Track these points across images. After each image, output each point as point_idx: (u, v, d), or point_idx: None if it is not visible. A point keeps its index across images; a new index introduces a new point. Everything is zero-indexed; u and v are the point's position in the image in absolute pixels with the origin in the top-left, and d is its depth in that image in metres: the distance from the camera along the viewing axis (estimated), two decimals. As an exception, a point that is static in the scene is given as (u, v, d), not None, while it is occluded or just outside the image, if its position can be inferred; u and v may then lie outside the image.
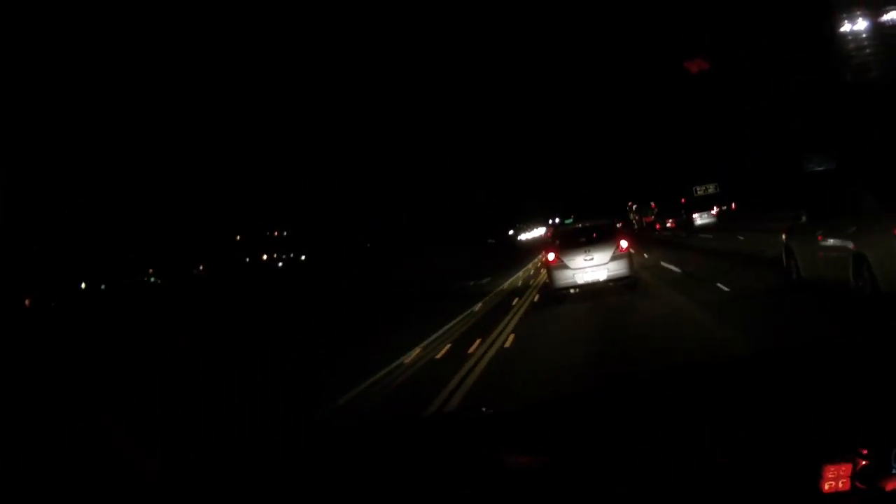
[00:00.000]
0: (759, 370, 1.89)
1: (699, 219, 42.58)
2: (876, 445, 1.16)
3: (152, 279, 58.46)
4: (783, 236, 9.62)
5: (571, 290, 13.21)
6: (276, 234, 77.19)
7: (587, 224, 14.11)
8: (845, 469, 1.14)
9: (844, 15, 38.47)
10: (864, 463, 1.14)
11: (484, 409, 3.75)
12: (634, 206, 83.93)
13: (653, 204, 72.90)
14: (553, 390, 5.17)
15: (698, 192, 51.06)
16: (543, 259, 15.19)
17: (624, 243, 12.93)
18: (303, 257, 72.13)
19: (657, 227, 57.32)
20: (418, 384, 7.35)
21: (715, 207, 43.94)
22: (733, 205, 50.11)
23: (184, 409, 6.59)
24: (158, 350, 13.10)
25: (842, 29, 38.46)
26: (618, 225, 15.69)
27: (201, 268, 61.69)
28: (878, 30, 35.42)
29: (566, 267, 12.95)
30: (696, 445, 1.34)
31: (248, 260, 68.84)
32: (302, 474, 1.58)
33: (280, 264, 69.02)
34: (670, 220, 54.57)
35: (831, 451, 1.17)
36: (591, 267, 12.78)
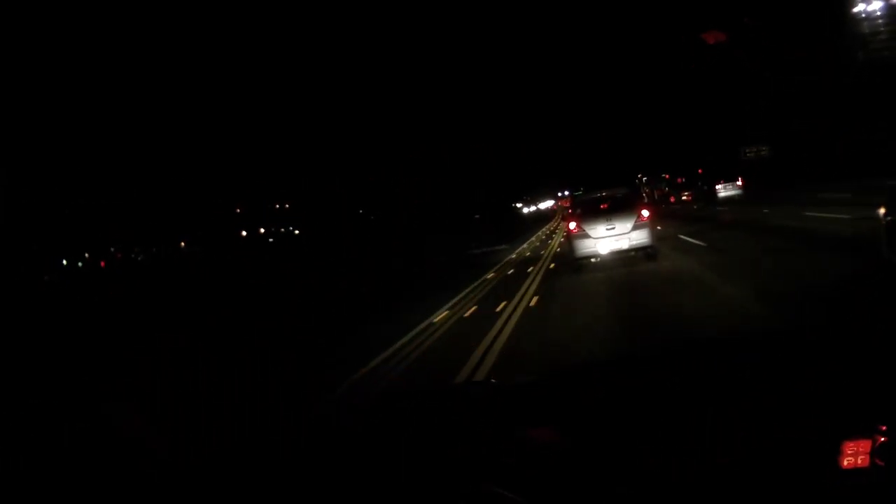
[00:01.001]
0: (780, 347, 1.91)
1: (723, 190, 37.91)
2: (894, 422, 1.18)
3: (135, 256, 56.03)
4: (881, 210, 7.49)
5: (592, 259, 13.20)
6: (276, 206, 76.04)
7: (609, 193, 14.07)
8: (864, 445, 1.15)
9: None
10: (882, 440, 1.14)
11: (493, 380, 3.98)
12: (644, 179, 79.73)
13: (666, 175, 68.52)
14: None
15: (748, 154, 43.22)
16: (564, 227, 15.03)
17: (645, 213, 13.10)
18: (297, 232, 70.96)
19: (671, 199, 53.67)
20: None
21: (740, 178, 38.66)
22: (740, 180, 46.32)
23: (205, 386, 6.61)
24: (158, 334, 12.99)
25: (856, 9, 37.84)
26: (643, 192, 15.58)
27: (182, 244, 59.49)
28: (894, 10, 34.87)
29: (587, 236, 13.10)
30: (715, 424, 1.33)
31: (244, 234, 67.58)
32: (317, 452, 1.59)
33: (270, 239, 65.62)
34: (686, 193, 50.68)
35: (851, 428, 1.18)
36: (613, 236, 12.92)
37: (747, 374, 1.63)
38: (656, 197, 64.40)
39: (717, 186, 38.30)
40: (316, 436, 1.69)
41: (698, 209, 36.14)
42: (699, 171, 52.73)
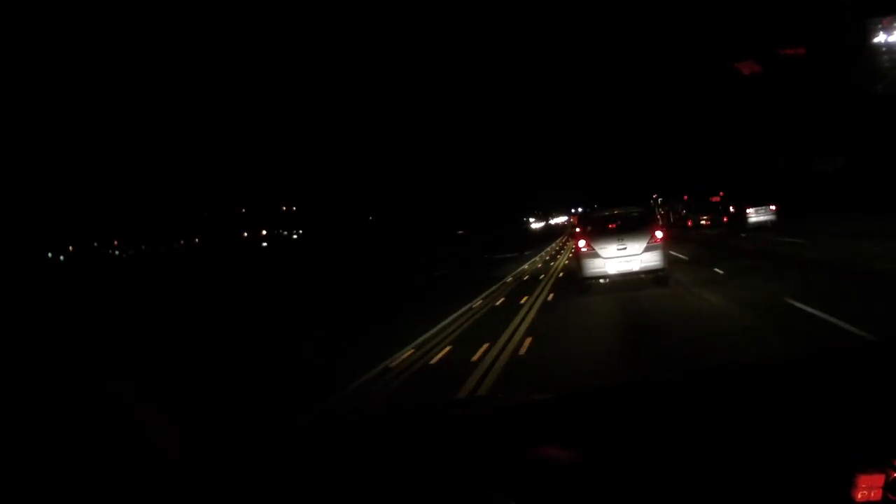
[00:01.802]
0: (795, 376, 1.91)
1: (754, 215, 33.37)
2: None
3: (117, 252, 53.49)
4: None
5: (601, 280, 12.47)
6: (283, 209, 75.51)
7: (621, 211, 13.59)
8: (878, 480, 1.15)
9: (879, 25, 37.45)
10: None
11: (500, 395, 3.93)
12: (660, 200, 75.13)
13: (685, 196, 61.89)
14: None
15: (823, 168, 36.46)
16: (573, 245, 14.28)
17: (659, 234, 12.61)
18: (295, 236, 69.93)
19: (688, 223, 49.04)
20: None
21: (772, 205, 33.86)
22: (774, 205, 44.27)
23: (187, 394, 6.38)
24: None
25: (875, 39, 37.45)
26: (658, 214, 14.93)
27: (180, 243, 57.64)
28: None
29: (597, 255, 12.56)
30: (728, 453, 1.34)
31: (245, 235, 66.56)
32: (323, 461, 1.59)
33: (265, 244, 63.47)
34: (704, 217, 46.28)
35: (865, 461, 1.18)
36: (624, 257, 12.39)
37: (763, 404, 1.63)
38: (671, 220, 60.32)
39: (748, 211, 33.76)
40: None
41: (720, 235, 33.28)
42: (720, 193, 48.91)
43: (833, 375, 1.82)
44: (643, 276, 12.44)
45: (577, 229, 14.25)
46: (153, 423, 1.92)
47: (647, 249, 12.20)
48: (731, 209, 39.73)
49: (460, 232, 64.69)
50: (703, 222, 45.72)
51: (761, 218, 32.75)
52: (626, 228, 12.66)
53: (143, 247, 53.13)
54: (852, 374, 1.80)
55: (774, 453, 1.29)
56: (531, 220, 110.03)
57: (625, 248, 12.24)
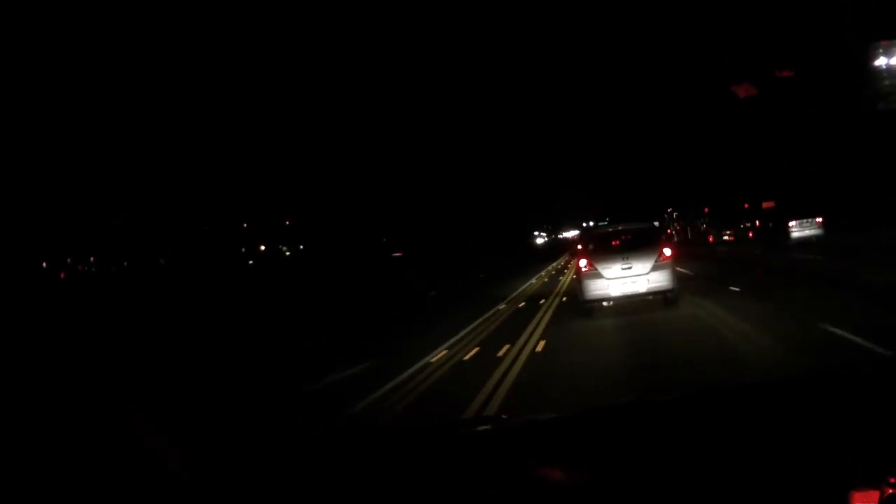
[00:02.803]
0: (789, 395, 1.93)
1: (797, 229, 28.99)
2: None
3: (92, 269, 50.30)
4: None
5: (604, 303, 11.80)
6: (287, 222, 74.59)
7: (626, 227, 12.95)
8: (873, 496, 1.16)
9: (881, 49, 37.44)
10: (890, 491, 1.15)
11: (504, 416, 3.92)
12: (675, 214, 70.57)
13: (706, 209, 56.41)
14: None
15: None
16: (574, 265, 13.73)
17: (667, 251, 11.86)
18: (287, 253, 68.13)
19: (710, 239, 45.15)
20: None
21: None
22: (757, 222, 38.45)
23: (198, 404, 6.44)
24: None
25: (877, 62, 37.38)
26: (667, 231, 14.32)
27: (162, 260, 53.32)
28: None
29: (599, 276, 11.75)
30: (724, 471, 1.35)
31: (243, 250, 65.00)
32: (329, 478, 1.61)
33: (250, 261, 58.19)
34: (727, 232, 42.44)
35: (859, 478, 1.19)
36: (629, 277, 11.61)
37: (760, 423, 1.66)
38: (689, 235, 55.83)
39: (791, 224, 29.41)
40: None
41: (750, 250, 28.49)
42: (745, 205, 44.86)
43: (828, 393, 1.85)
44: (650, 297, 11.76)
45: (579, 247, 13.65)
46: (156, 440, 1.85)
47: (654, 268, 11.43)
48: (757, 223, 36.96)
49: (396, 254, 56.35)
50: (726, 238, 41.66)
51: (805, 232, 28.29)
52: (632, 246, 11.98)
53: (126, 263, 49.81)
54: (847, 391, 1.82)
55: (771, 471, 1.32)
56: (539, 234, 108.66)
57: (630, 268, 11.48)
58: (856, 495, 1.15)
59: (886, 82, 36.43)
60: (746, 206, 45.07)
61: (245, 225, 67.88)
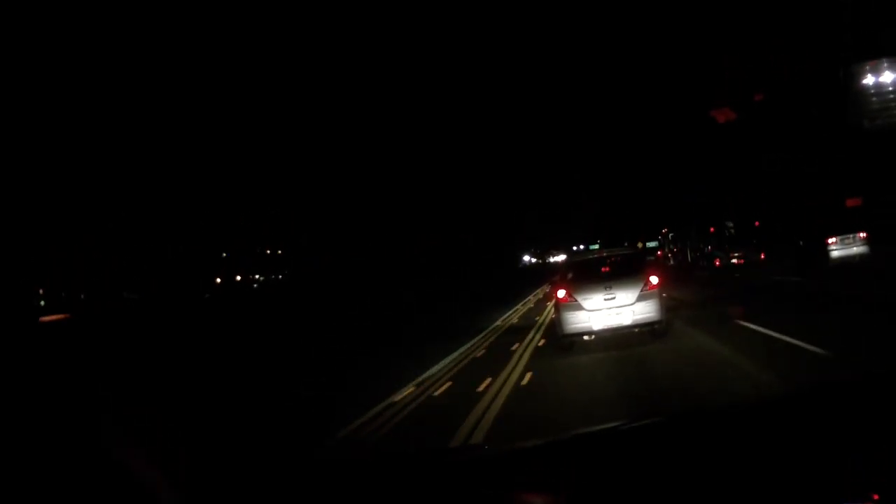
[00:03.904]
0: (776, 413, 1.94)
1: (839, 247, 23.97)
2: (887, 489, 1.22)
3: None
4: None
5: (584, 337, 10.25)
6: (268, 251, 72.87)
7: (608, 254, 12.14)
8: None
9: (867, 67, 37.10)
10: None
11: (486, 446, 4.15)
12: (671, 235, 64.72)
13: (712, 228, 51.20)
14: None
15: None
16: (552, 295, 12.07)
17: (654, 279, 10.88)
18: (256, 283, 65.26)
19: (716, 262, 40.87)
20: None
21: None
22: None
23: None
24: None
25: (864, 80, 37.02)
26: (653, 256, 12.84)
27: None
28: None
29: (580, 308, 10.68)
30: (712, 491, 1.37)
31: (218, 281, 62.44)
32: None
33: (207, 295, 53.14)
34: (736, 255, 38.34)
35: (846, 494, 1.21)
36: (613, 308, 10.57)
37: (746, 441, 1.68)
38: (689, 258, 50.49)
39: (831, 241, 24.42)
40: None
41: (792, 279, 21.78)
42: (755, 223, 41.29)
43: (815, 409, 1.85)
44: (636, 330, 10.73)
45: (558, 276, 12.08)
46: (142, 469, 1.67)
47: (640, 298, 10.41)
48: (760, 249, 33.86)
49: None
50: (734, 261, 37.42)
51: (850, 251, 23.31)
52: (615, 274, 10.96)
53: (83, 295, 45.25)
54: (834, 408, 1.82)
55: (760, 490, 1.32)
56: (526, 257, 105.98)
57: (613, 298, 10.42)
58: None
59: (874, 99, 36.06)
60: (757, 223, 41.19)
61: (224, 255, 65.96)
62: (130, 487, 1.59)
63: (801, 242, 27.57)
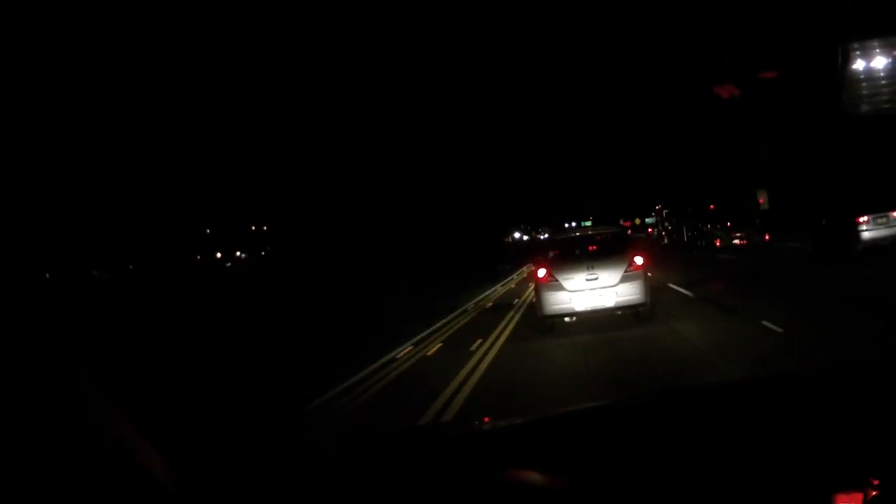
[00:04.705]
0: (771, 395, 1.88)
1: (870, 227, 20.59)
2: (886, 475, 1.19)
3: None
4: None
5: (566, 319, 9.89)
6: (252, 228, 71.69)
7: (593, 232, 11.92)
8: (856, 498, 1.15)
9: (858, 50, 36.45)
10: (874, 493, 1.14)
11: (477, 421, 3.93)
12: (665, 212, 59.69)
13: (711, 206, 46.29)
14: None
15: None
16: (532, 275, 11.62)
17: (638, 259, 10.59)
18: (228, 263, 63.97)
19: (717, 243, 38.12)
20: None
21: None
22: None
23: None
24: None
25: (854, 65, 36.40)
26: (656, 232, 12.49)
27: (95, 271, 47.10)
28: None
29: (561, 288, 10.38)
30: (704, 473, 1.34)
31: (199, 258, 61.15)
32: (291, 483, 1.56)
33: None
34: (738, 235, 36.03)
35: (842, 480, 1.19)
36: (596, 289, 10.27)
37: (741, 423, 1.63)
38: (686, 238, 46.77)
39: (861, 220, 21.10)
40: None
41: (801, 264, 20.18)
42: (760, 200, 38.45)
43: (812, 393, 1.82)
44: (619, 312, 10.51)
45: (539, 256, 11.65)
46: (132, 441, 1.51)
47: (623, 279, 10.15)
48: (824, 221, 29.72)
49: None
50: (736, 242, 35.32)
51: (881, 232, 19.89)
52: (598, 253, 10.75)
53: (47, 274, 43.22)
54: (831, 393, 1.79)
55: (754, 473, 1.29)
56: (516, 234, 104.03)
57: (596, 278, 10.15)
58: (840, 497, 1.15)
59: (864, 84, 35.51)
60: (762, 200, 38.05)
61: (208, 231, 64.78)
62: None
63: (823, 221, 23.10)
